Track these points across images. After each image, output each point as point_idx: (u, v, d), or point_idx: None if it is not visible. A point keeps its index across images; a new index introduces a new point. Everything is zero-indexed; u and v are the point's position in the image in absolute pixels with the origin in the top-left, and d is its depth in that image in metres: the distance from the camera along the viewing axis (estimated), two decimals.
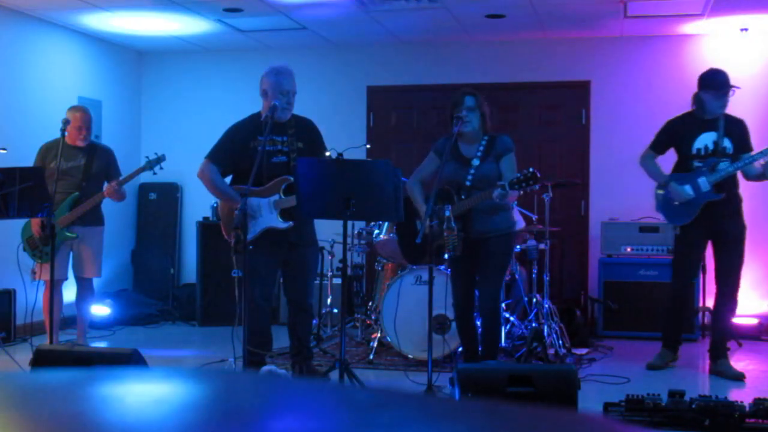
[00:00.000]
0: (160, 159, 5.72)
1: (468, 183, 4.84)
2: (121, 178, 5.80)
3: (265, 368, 4.83)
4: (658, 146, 5.69)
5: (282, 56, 7.56)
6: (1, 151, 6.06)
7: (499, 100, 7.60)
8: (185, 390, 0.89)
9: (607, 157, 7.86)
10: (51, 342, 5.13)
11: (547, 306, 6.10)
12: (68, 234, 5.71)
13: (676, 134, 5.58)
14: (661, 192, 5.60)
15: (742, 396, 4.46)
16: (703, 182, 5.36)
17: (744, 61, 7.38)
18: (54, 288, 5.32)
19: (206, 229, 7.70)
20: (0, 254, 6.31)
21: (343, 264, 4.90)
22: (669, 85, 7.69)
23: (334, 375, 4.54)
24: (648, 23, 7.37)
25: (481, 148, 4.89)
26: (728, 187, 5.41)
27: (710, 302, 6.16)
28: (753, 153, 5.37)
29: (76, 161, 5.83)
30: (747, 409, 4.05)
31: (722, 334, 5.60)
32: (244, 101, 6.76)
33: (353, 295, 7.33)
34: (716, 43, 7.56)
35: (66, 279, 5.93)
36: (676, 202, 5.48)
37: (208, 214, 7.85)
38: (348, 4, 6.82)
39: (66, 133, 5.54)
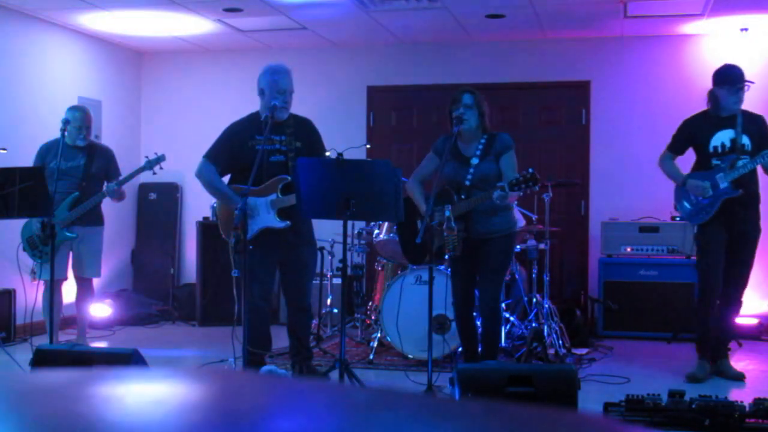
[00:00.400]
0: (159, 159, 5.72)
1: (467, 182, 4.83)
2: (120, 178, 5.81)
3: (265, 368, 4.83)
4: (676, 147, 5.56)
5: (282, 56, 7.55)
6: (1, 151, 6.07)
7: (499, 100, 7.61)
8: (185, 390, 0.89)
9: (607, 157, 7.86)
10: (51, 342, 5.13)
11: (547, 306, 6.10)
12: (68, 234, 5.71)
13: (692, 133, 5.45)
14: (680, 192, 5.47)
15: (742, 396, 4.46)
16: (721, 179, 5.24)
17: (744, 61, 7.34)
18: (54, 288, 5.32)
19: (206, 229, 7.70)
20: (0, 254, 6.31)
21: (343, 264, 4.90)
22: (669, 85, 7.69)
23: (334, 375, 4.54)
24: (648, 23, 7.37)
25: (480, 147, 4.88)
26: (747, 185, 5.28)
27: None
28: None
29: (76, 161, 5.83)
30: (747, 409, 4.05)
31: (724, 335, 5.58)
32: (244, 101, 6.76)
33: (353, 295, 7.33)
34: (716, 43, 7.56)
35: (66, 279, 5.93)
36: (693, 198, 5.35)
37: (208, 214, 7.85)
38: (348, 4, 6.82)
39: (66, 133, 5.55)
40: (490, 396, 3.67)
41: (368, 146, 7.81)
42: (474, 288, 5.03)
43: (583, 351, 6.23)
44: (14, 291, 6.63)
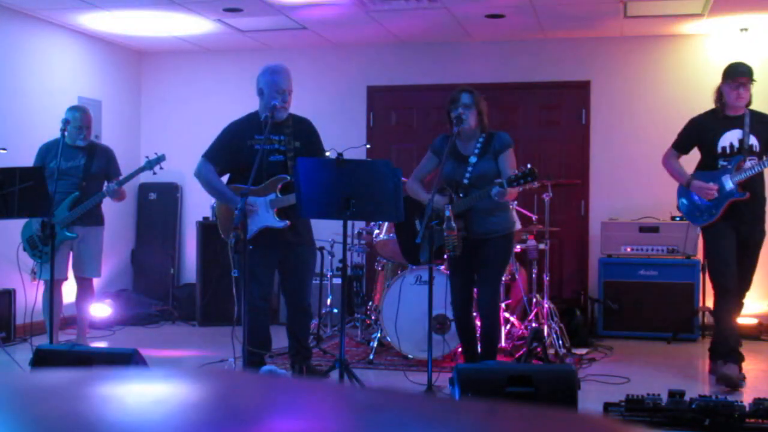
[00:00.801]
0: (159, 159, 5.72)
1: (466, 181, 4.83)
2: (121, 178, 5.81)
3: (265, 368, 4.83)
4: (682, 145, 5.45)
5: (282, 56, 7.56)
6: (1, 151, 6.07)
7: (499, 100, 7.61)
8: (185, 390, 0.89)
9: (607, 157, 7.86)
10: (51, 342, 5.13)
11: (547, 306, 6.10)
12: (68, 234, 5.71)
13: (699, 132, 5.35)
14: (683, 190, 5.38)
15: (742, 396, 4.46)
16: (727, 181, 5.14)
17: (744, 61, 7.36)
18: (54, 288, 5.32)
19: (206, 229, 7.71)
20: (0, 254, 6.31)
21: (343, 264, 4.90)
22: (669, 85, 7.69)
23: (334, 375, 4.54)
24: (648, 23, 7.37)
25: (479, 146, 4.88)
26: (754, 187, 5.19)
27: (710, 302, 6.14)
28: None
29: (76, 161, 5.83)
30: (747, 409, 4.05)
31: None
32: (244, 101, 6.75)
33: (353, 295, 7.33)
34: (716, 43, 7.56)
35: (66, 279, 5.93)
36: (697, 199, 5.27)
37: (208, 214, 7.85)
38: (348, 4, 6.82)
39: (66, 133, 5.55)
40: (490, 396, 3.67)
41: (368, 146, 7.81)
42: (473, 288, 5.02)
43: (583, 351, 6.23)
44: (14, 291, 6.63)
